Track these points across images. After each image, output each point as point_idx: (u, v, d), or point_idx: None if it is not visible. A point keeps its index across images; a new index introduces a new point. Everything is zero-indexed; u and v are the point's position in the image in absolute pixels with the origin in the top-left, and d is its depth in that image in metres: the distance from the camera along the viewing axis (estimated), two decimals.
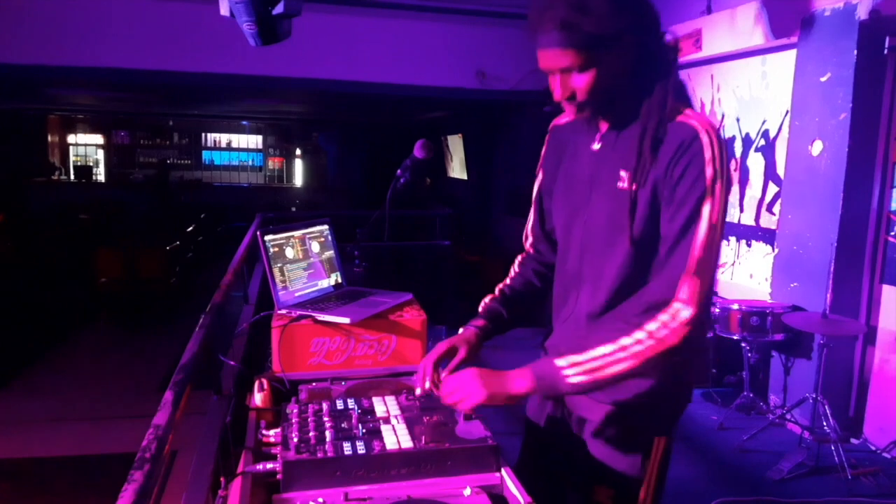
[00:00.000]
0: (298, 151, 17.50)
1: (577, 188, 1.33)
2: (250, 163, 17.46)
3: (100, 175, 16.27)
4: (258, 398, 1.42)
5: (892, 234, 3.57)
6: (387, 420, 1.25)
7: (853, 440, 3.66)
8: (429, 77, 6.83)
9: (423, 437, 1.17)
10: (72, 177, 15.60)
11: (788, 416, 3.67)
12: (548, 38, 1.15)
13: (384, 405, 1.32)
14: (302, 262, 2.02)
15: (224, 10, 2.47)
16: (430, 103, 9.71)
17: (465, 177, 10.97)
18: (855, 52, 3.44)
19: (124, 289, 7.90)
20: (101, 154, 16.66)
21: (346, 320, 1.83)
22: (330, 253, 2.15)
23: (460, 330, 1.48)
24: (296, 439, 1.16)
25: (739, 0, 4.13)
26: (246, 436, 1.30)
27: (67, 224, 10.79)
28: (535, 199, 1.53)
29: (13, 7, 5.86)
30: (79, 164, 15.98)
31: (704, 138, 1.15)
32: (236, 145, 17.45)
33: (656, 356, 1.14)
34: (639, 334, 1.14)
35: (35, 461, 4.20)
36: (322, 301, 1.98)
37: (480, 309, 1.51)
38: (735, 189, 4.66)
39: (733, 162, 4.66)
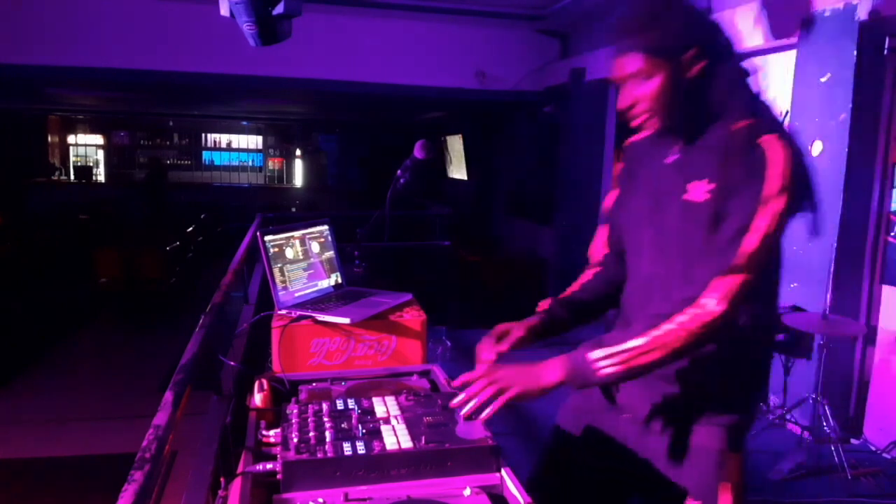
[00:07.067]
0: (298, 152, 17.49)
1: (651, 200, 1.37)
2: (250, 163, 17.45)
3: (100, 175, 16.25)
4: (258, 398, 1.42)
5: (893, 234, 3.57)
6: (387, 420, 1.25)
7: (853, 440, 3.66)
8: (429, 77, 6.83)
9: (423, 438, 1.17)
10: (72, 177, 15.59)
11: (788, 417, 3.67)
12: (621, 44, 1.26)
13: (384, 405, 1.32)
14: (302, 262, 2.02)
15: (224, 11, 2.47)
16: (430, 103, 9.70)
17: (465, 177, 10.96)
18: (855, 52, 3.44)
19: (124, 289, 7.90)
20: (100, 154, 16.64)
21: (346, 320, 1.83)
22: (330, 253, 2.15)
23: None
24: (296, 439, 1.15)
25: (739, 0, 4.13)
26: (246, 436, 1.30)
27: (67, 224, 10.79)
28: (605, 214, 1.55)
29: (13, 7, 5.86)
30: (79, 164, 15.96)
31: (770, 153, 1.18)
32: (236, 146, 17.43)
33: (681, 344, 1.17)
34: (668, 325, 1.18)
35: (35, 461, 4.20)
36: (322, 301, 1.98)
37: (539, 308, 1.52)
38: None
39: None
